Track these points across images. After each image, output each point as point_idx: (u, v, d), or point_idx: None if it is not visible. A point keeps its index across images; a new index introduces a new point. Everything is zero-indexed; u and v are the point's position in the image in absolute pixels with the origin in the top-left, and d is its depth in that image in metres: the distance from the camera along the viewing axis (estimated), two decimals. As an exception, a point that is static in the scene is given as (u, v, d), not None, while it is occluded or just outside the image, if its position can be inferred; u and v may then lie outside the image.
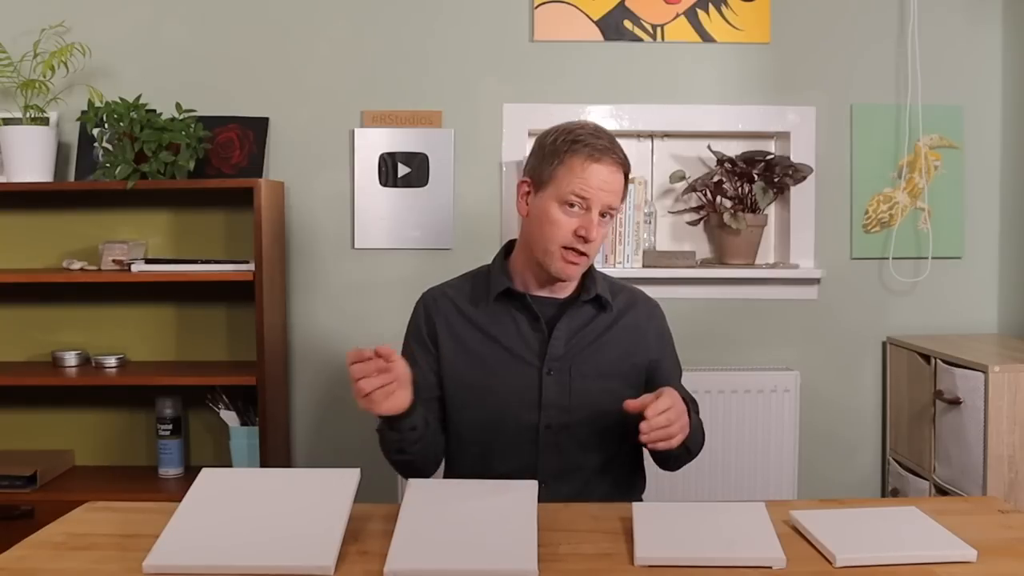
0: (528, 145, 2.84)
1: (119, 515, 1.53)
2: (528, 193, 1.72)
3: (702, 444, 1.78)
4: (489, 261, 1.85)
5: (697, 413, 1.76)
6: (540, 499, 1.45)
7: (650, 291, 1.91)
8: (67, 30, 2.75)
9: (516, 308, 1.75)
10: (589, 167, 1.65)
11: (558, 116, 2.87)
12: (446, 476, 1.81)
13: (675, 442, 1.51)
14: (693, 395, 1.80)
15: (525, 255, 1.75)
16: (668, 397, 1.51)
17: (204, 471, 1.50)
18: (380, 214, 2.83)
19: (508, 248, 1.84)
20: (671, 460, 1.74)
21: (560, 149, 1.67)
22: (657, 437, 1.49)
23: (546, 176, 1.68)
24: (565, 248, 1.67)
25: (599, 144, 1.66)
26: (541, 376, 1.71)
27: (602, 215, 1.67)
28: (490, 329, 1.75)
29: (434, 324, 1.77)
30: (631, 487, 1.83)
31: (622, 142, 1.73)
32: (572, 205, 1.66)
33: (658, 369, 1.81)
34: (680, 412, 1.52)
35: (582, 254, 1.67)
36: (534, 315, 1.74)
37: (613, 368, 1.75)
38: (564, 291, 1.77)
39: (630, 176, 1.75)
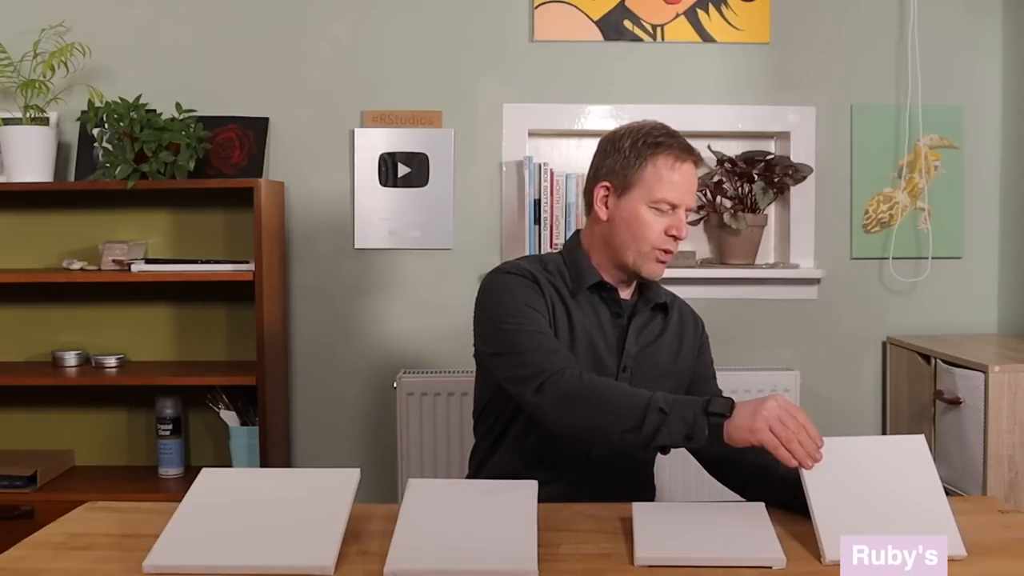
0: (528, 145, 2.84)
1: (119, 515, 1.54)
2: (607, 196, 1.72)
3: None
4: (489, 260, 1.83)
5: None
6: (563, 495, 1.44)
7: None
8: (67, 30, 2.75)
9: (600, 302, 1.74)
10: (677, 168, 1.67)
11: (558, 116, 2.91)
12: (505, 452, 1.75)
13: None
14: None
15: (606, 255, 1.74)
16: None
17: (204, 471, 1.50)
18: (380, 214, 2.83)
19: (575, 240, 1.81)
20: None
21: (643, 152, 1.68)
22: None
23: (632, 179, 1.68)
24: (657, 248, 1.68)
25: (680, 144, 1.69)
26: (617, 373, 1.71)
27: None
28: (579, 319, 1.72)
29: (545, 295, 1.71)
30: (648, 489, 1.84)
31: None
32: (662, 207, 1.67)
33: (703, 378, 1.83)
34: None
35: (669, 252, 1.70)
36: (616, 311, 1.74)
37: (668, 369, 1.77)
38: (629, 291, 1.78)
39: None
